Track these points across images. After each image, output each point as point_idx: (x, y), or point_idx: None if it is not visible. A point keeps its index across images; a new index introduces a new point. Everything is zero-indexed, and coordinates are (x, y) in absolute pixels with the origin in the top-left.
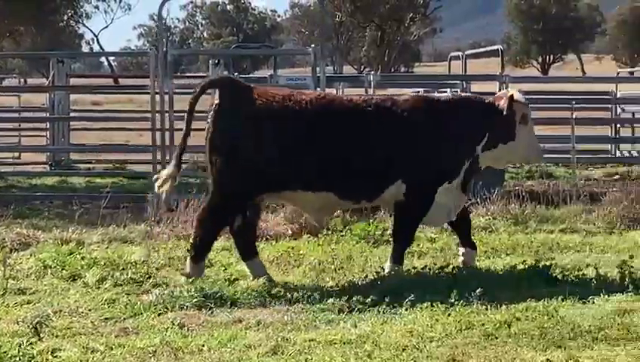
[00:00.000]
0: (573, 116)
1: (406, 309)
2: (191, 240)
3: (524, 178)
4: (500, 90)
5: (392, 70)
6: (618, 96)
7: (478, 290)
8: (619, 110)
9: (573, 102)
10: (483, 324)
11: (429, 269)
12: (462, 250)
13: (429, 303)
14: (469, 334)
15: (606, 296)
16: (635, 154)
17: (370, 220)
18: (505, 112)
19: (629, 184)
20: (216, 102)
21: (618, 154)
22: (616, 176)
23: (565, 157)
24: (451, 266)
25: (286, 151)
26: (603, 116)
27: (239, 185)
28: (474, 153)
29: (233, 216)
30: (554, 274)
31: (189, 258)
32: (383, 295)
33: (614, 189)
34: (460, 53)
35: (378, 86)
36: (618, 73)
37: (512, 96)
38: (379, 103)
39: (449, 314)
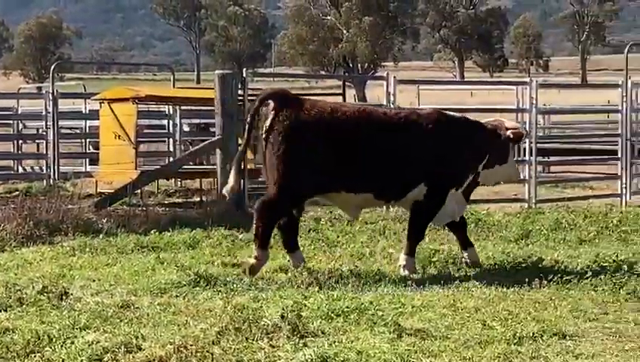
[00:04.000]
0: None
1: None
2: (253, 231)
3: None
4: None
5: None
6: (20, 112)
7: None
8: (21, 126)
9: None
10: None
11: None
12: (465, 253)
13: None
14: None
15: None
16: (37, 169)
17: None
18: (508, 139)
19: (25, 200)
20: (272, 112)
21: (20, 170)
22: (17, 193)
23: None
24: None
25: (334, 157)
26: (5, 132)
27: (294, 188)
28: (477, 169)
29: (287, 211)
30: None
31: (254, 246)
32: None
33: (13, 206)
34: None
35: None
36: (19, 89)
37: (514, 126)
38: (407, 116)
39: None
